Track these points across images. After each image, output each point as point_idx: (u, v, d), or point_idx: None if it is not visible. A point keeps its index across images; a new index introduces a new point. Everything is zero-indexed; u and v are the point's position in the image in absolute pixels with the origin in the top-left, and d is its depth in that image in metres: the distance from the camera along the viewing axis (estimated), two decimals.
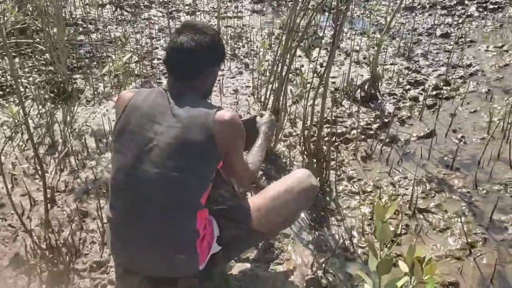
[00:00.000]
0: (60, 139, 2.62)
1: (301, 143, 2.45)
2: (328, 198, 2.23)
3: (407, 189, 2.27)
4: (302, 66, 3.47)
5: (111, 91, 3.16)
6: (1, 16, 3.86)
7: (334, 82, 3.28)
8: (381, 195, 2.23)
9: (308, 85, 2.94)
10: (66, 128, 2.72)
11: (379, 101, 3.06)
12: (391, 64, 3.53)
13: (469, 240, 1.91)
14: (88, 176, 2.36)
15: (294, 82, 3.27)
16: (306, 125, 2.35)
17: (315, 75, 3.20)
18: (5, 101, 3.05)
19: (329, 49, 2.05)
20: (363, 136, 2.69)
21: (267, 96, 2.53)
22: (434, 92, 3.13)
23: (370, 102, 3.03)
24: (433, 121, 2.82)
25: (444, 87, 3.19)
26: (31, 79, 3.32)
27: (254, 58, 3.63)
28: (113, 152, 1.49)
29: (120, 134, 1.46)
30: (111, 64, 2.85)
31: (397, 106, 2.98)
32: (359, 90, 3.08)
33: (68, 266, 1.80)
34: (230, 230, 1.54)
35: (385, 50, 3.69)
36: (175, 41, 1.46)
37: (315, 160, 2.29)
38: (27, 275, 1.77)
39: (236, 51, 3.79)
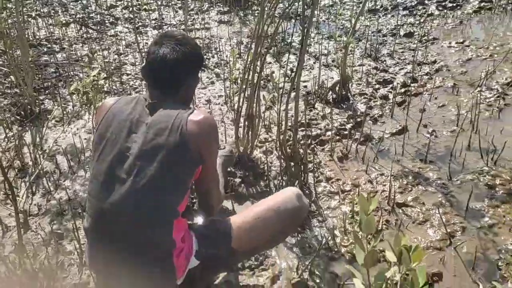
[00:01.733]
0: (30, 161, 2.54)
1: (278, 148, 2.45)
2: (308, 200, 2.23)
3: (384, 185, 2.30)
4: (273, 72, 3.50)
5: (80, 109, 3.09)
6: None
7: (305, 86, 3.31)
8: (360, 193, 2.25)
9: (280, 90, 2.96)
10: (36, 150, 2.64)
11: (351, 101, 3.10)
12: (360, 65, 3.59)
13: (448, 230, 1.95)
14: (62, 197, 2.29)
15: (267, 88, 3.28)
16: (281, 130, 2.36)
17: (286, 79, 3.23)
18: None
19: (298, 54, 2.08)
20: (338, 137, 2.72)
21: (241, 104, 2.52)
22: (402, 90, 3.20)
23: (342, 103, 3.08)
24: (404, 117, 2.88)
25: (411, 84, 3.27)
26: None
27: (225, 68, 3.63)
28: (92, 159, 1.46)
29: (99, 142, 1.43)
30: (78, 82, 2.80)
31: (368, 105, 3.03)
32: (330, 92, 3.12)
33: None
34: (208, 248, 1.48)
35: (353, 52, 3.76)
36: (156, 52, 1.46)
37: (292, 164, 2.30)
38: None
39: (206, 62, 3.78)
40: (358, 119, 2.87)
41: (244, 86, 2.49)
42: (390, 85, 3.28)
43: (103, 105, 1.52)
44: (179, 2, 5.31)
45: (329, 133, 2.73)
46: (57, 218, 2.15)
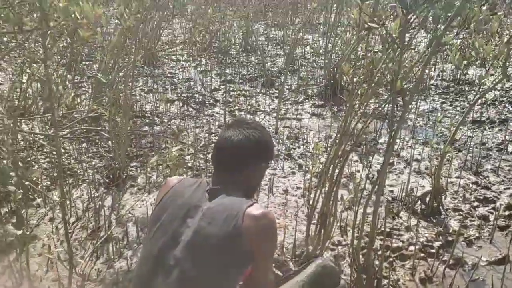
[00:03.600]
0: (104, 224, 2.61)
1: (350, 255, 2.22)
2: None
3: None
4: (358, 171, 3.32)
5: (162, 181, 3.18)
6: (77, 106, 4.23)
7: (391, 191, 3.06)
8: None
9: (363, 192, 2.77)
10: (111, 215, 2.72)
11: (442, 216, 2.77)
12: (457, 177, 3.27)
13: None
14: (122, 267, 2.27)
15: (348, 187, 3.10)
16: (356, 235, 2.15)
17: (370, 180, 3.03)
18: (65, 182, 3.16)
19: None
20: (422, 254, 2.40)
21: (317, 199, 2.39)
22: (506, 213, 2.80)
23: (432, 217, 2.76)
24: (506, 245, 2.47)
25: None
26: (93, 163, 3.47)
27: (309, 160, 3.56)
28: (145, 238, 1.43)
29: (154, 223, 1.40)
30: (159, 155, 2.91)
31: (463, 224, 2.67)
32: (419, 202, 2.84)
33: None
34: None
35: (450, 162, 3.46)
36: (222, 134, 1.45)
37: (364, 276, 2.04)
38: None
39: (291, 152, 3.75)
40: (449, 238, 2.53)
41: (322, 181, 2.37)
42: (492, 205, 2.90)
43: (167, 183, 1.51)
44: (276, 91, 5.52)
45: (412, 247, 2.42)
46: None
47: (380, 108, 2.05)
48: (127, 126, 3.24)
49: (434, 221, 2.72)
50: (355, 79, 2.23)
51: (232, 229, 1.26)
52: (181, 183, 1.48)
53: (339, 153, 2.19)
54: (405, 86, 1.65)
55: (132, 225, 2.62)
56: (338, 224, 2.58)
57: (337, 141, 2.19)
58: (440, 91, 5.44)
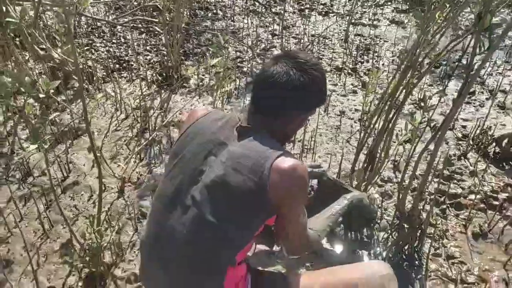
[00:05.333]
0: (151, 125, 2.59)
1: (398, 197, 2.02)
2: (413, 275, 1.80)
3: None
4: (430, 98, 2.93)
5: (213, 85, 3.05)
6: None
7: (464, 126, 2.70)
8: None
9: (423, 125, 2.46)
10: (159, 116, 2.68)
11: None
12: None
13: None
14: (162, 172, 2.28)
15: (416, 114, 2.77)
16: (405, 174, 1.93)
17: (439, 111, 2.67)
18: (119, 75, 3.14)
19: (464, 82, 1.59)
20: (483, 205, 2.14)
21: (371, 129, 2.14)
22: None
23: (505, 163, 2.42)
24: None
25: None
26: (148, 57, 3.38)
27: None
28: (164, 172, 1.34)
29: (174, 157, 1.30)
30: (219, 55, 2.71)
31: None
32: (494, 144, 2.48)
33: (108, 270, 1.72)
34: None
35: None
36: (267, 69, 1.23)
37: (407, 226, 1.87)
38: (64, 270, 1.75)
39: (358, 66, 3.38)
40: None
41: (380, 109, 2.09)
42: None
43: (191, 114, 1.37)
44: None
45: (472, 196, 2.17)
46: (149, 195, 2.14)
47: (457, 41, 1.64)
48: (181, 20, 3.03)
49: (507, 168, 2.39)
50: None
51: (257, 182, 1.14)
52: (207, 116, 1.33)
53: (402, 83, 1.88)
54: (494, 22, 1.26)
55: (177, 130, 2.58)
56: (393, 159, 2.35)
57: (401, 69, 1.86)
58: None
